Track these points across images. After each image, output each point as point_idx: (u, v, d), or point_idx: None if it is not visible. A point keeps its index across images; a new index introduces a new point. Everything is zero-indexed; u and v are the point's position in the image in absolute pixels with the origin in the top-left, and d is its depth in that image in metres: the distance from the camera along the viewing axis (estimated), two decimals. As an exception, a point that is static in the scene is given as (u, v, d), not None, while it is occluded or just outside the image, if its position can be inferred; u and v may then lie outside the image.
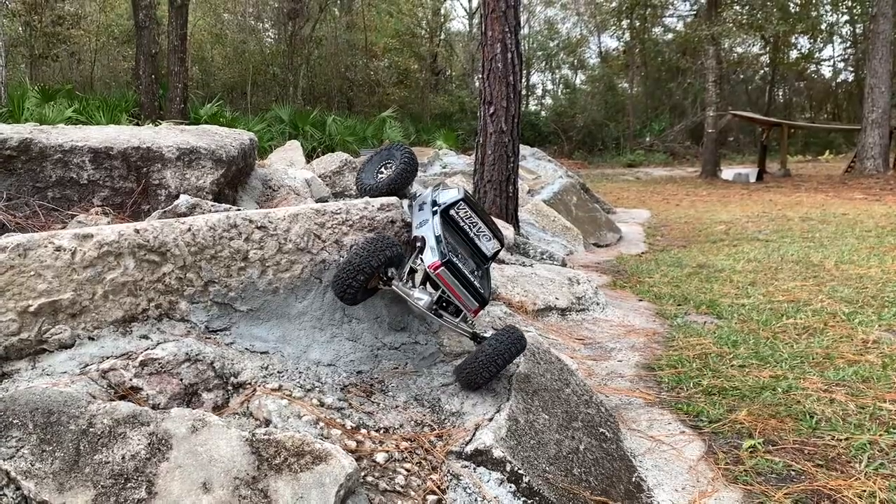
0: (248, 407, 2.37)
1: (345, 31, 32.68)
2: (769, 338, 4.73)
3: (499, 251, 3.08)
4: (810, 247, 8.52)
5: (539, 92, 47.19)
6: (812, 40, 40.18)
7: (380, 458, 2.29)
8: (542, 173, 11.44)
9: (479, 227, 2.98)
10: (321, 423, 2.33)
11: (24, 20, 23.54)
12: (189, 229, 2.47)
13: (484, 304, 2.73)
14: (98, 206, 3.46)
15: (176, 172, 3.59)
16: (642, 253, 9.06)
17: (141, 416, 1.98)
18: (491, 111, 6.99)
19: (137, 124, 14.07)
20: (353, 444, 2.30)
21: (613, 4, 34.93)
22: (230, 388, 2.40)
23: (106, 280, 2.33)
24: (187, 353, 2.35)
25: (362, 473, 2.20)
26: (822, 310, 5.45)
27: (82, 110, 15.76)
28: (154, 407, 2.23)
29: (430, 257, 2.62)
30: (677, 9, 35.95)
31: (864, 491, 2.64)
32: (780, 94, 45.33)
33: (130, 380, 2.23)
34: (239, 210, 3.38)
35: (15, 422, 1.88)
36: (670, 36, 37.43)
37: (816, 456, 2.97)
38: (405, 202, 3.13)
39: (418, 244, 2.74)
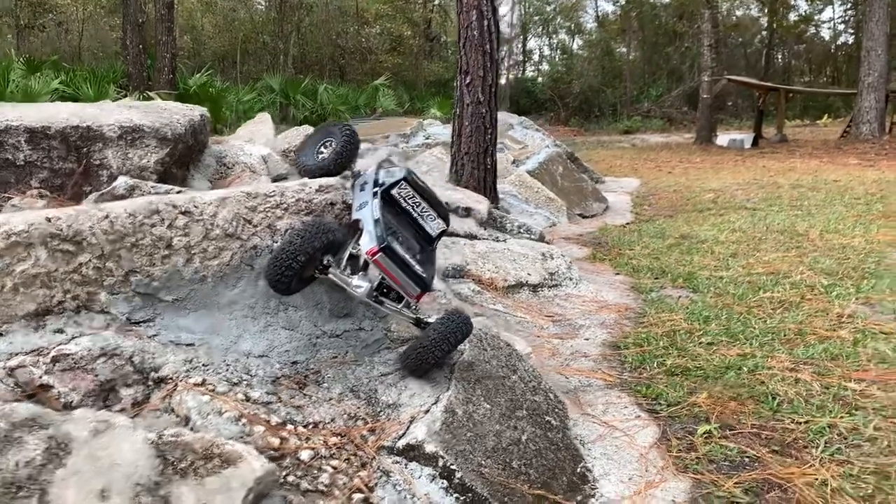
0: (169, 402, 2.27)
1: (335, -3, 32.21)
2: (743, 313, 4.62)
3: (444, 231, 2.96)
4: (797, 215, 8.39)
5: (536, 58, 46.68)
6: (811, 2, 39.62)
7: (304, 455, 2.19)
8: (528, 143, 11.26)
9: (423, 208, 2.85)
10: (244, 420, 2.23)
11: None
12: (107, 217, 2.35)
13: (426, 289, 2.62)
14: (36, 188, 3.34)
15: (118, 152, 3.45)
16: (627, 223, 8.93)
17: (41, 418, 1.88)
18: (467, 81, 6.82)
19: (125, 95, 13.83)
20: (276, 442, 2.20)
21: (610, -33, 34.30)
22: (151, 383, 2.30)
23: (15, 272, 2.22)
24: (103, 348, 2.24)
25: (284, 473, 2.11)
26: (801, 282, 5.35)
27: (69, 82, 15.47)
28: (66, 406, 2.13)
29: (367, 242, 2.50)
30: (674, -29, 35.37)
31: (816, 479, 2.56)
32: (779, 57, 44.74)
33: (40, 377, 2.13)
34: (182, 191, 3.26)
35: None
36: (667, -1, 36.91)
37: (773, 441, 2.88)
38: (349, 182, 3.01)
39: (359, 228, 2.63)
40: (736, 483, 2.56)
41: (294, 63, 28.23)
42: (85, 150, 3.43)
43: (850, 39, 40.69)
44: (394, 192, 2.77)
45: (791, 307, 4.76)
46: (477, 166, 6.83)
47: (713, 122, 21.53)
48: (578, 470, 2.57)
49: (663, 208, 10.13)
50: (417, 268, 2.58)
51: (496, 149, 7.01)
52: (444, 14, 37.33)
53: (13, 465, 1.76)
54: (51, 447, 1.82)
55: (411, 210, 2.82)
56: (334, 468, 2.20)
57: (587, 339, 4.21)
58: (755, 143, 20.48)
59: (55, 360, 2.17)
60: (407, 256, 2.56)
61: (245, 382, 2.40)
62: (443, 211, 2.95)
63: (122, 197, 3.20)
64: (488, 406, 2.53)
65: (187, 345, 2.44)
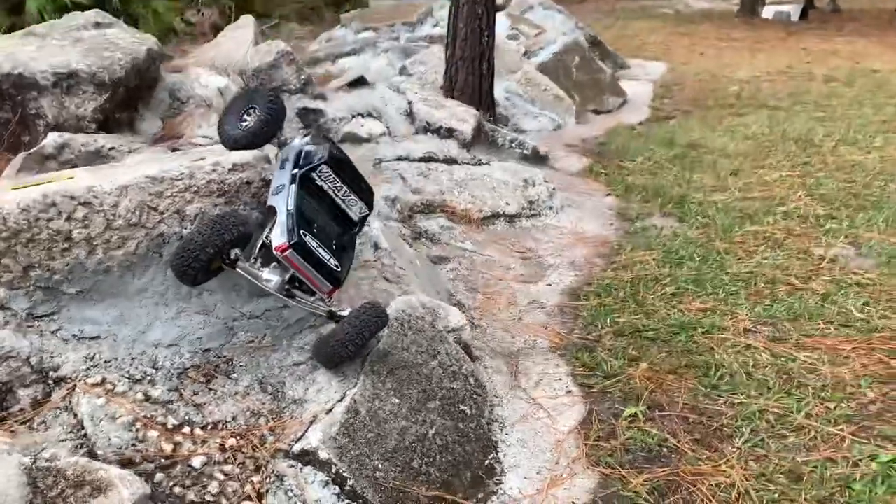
0: (70, 402, 2.30)
1: None
2: (721, 252, 4.49)
3: (367, 216, 2.86)
4: (819, 119, 7.97)
5: None
6: None
7: (197, 462, 2.23)
8: (548, 26, 10.66)
9: (345, 192, 2.74)
10: (138, 424, 2.26)
11: None
12: (-2, 213, 2.30)
13: (338, 285, 2.55)
14: (-29, 140, 3.28)
15: (53, 101, 3.35)
16: (640, 122, 8.57)
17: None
18: (464, -22, 6.40)
19: None
20: (168, 448, 2.24)
21: None
22: (51, 382, 2.33)
23: None
24: (-4, 351, 2.25)
25: (171, 483, 2.15)
26: (794, 212, 5.15)
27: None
28: (-40, 411, 2.17)
29: (277, 237, 2.42)
30: None
31: (725, 480, 2.54)
32: None
33: (-68, 384, 2.16)
34: (114, 148, 3.18)
35: None
36: None
37: (698, 427, 2.85)
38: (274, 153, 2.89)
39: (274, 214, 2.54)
40: (644, 481, 2.55)
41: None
42: (19, 98, 3.34)
43: None
44: (314, 174, 2.65)
45: (774, 245, 4.60)
46: (472, 72, 6.52)
47: (759, -10, 20.10)
48: (487, 462, 2.58)
49: (684, 102, 9.69)
50: (332, 262, 2.51)
51: (493, 53, 6.65)
52: None
53: None
54: (-76, 475, 1.87)
55: (332, 194, 2.71)
56: (226, 475, 2.23)
57: (549, 286, 4.14)
58: (804, 16, 19.18)
59: (-52, 365, 2.19)
60: (321, 252, 2.48)
61: (148, 378, 2.42)
62: (366, 194, 2.84)
63: (52, 157, 3.14)
64: (397, 401, 2.53)
65: (92, 338, 2.44)
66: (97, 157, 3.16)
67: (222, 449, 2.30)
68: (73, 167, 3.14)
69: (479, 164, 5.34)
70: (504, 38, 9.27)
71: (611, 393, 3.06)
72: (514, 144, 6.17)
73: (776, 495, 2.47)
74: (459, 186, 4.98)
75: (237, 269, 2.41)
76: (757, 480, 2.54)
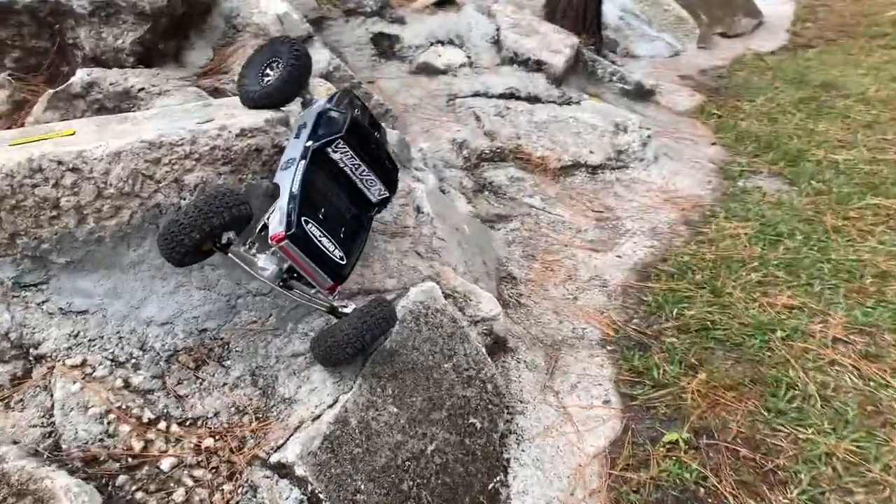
0: (49, 381, 2.19)
1: None
2: (828, 230, 3.92)
3: (388, 199, 2.53)
4: None
5: None
6: None
7: (166, 464, 2.08)
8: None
9: (363, 171, 2.42)
10: (111, 416, 2.12)
11: None
12: (-20, 178, 2.14)
13: (342, 280, 2.28)
14: (10, 67, 3.15)
15: (91, 31, 3.15)
16: (772, 52, 7.68)
17: None
18: None
19: None
20: (138, 446, 2.09)
21: None
22: (31, 358, 2.21)
23: None
24: (-27, 325, 2.15)
25: (134, 487, 2.02)
26: (932, 185, 4.43)
27: None
28: (-66, 386, 2.09)
29: (276, 224, 2.16)
30: None
31: (763, 548, 2.18)
32: None
33: None
34: (140, 97, 2.99)
35: None
36: None
37: (749, 465, 2.47)
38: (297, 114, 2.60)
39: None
40: (666, 532, 2.24)
41: None
42: (58, 27, 3.17)
43: None
44: (328, 150, 2.34)
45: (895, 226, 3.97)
46: (577, -8, 5.90)
47: None
48: (492, 486, 2.33)
49: (829, 28, 8.62)
50: (336, 255, 2.23)
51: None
52: None
53: None
54: None
55: (349, 171, 2.40)
56: (196, 480, 2.08)
57: (619, 258, 3.73)
58: None
59: (-75, 337, 2.11)
60: (324, 243, 2.20)
61: (133, 362, 2.27)
62: (389, 174, 2.51)
63: (80, 96, 2.97)
64: (395, 410, 2.28)
65: (80, 313, 2.30)
66: (125, 99, 2.97)
67: (197, 450, 2.14)
68: (100, 109, 2.98)
69: (568, 104, 4.84)
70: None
71: (655, 408, 2.70)
72: (615, 77, 5.59)
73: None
74: (539, 130, 4.53)
75: (229, 255, 2.18)
76: (801, 551, 2.18)
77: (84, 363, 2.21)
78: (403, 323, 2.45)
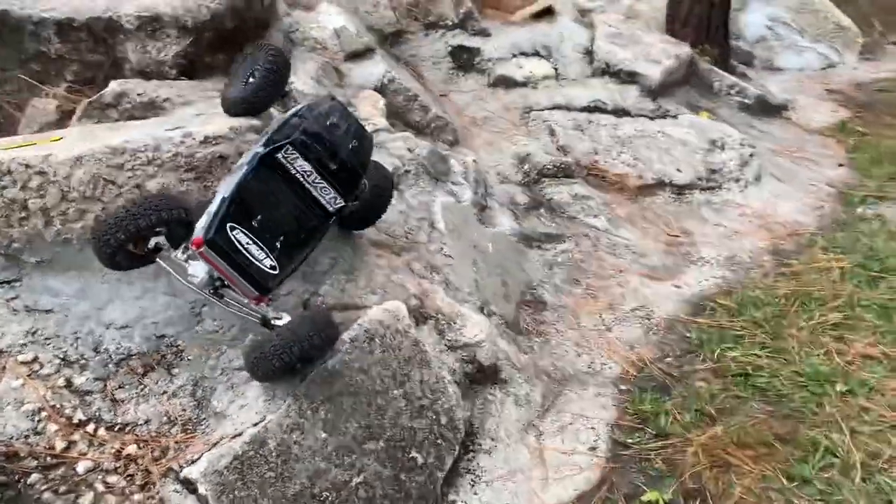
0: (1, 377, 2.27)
1: None
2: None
3: (343, 208, 2.39)
4: None
5: None
6: None
7: (81, 467, 2.08)
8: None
9: (315, 179, 2.31)
10: (42, 414, 2.16)
11: None
12: (-46, 179, 2.27)
13: (265, 293, 2.18)
14: (69, 81, 3.37)
15: (137, 45, 3.29)
16: (954, 63, 6.67)
17: None
18: None
19: None
20: (60, 446, 2.11)
21: None
22: (-8, 353, 2.31)
23: None
24: (-62, 316, 2.28)
25: (45, 487, 2.03)
26: None
27: None
28: None
29: (198, 229, 2.12)
30: None
31: None
32: None
33: None
34: (168, 99, 3.08)
35: None
36: None
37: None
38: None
39: None
40: None
41: None
42: (111, 41, 3.34)
43: None
44: (279, 155, 2.26)
45: None
46: (699, 0, 5.43)
47: None
48: (419, 531, 2.11)
49: None
50: (264, 264, 2.14)
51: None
52: None
53: None
54: None
55: (301, 179, 2.30)
56: (108, 486, 2.06)
57: (677, 288, 3.34)
58: None
59: None
60: (250, 251, 2.13)
61: (81, 363, 2.30)
62: (347, 183, 2.36)
63: (112, 106, 3.11)
64: (324, 436, 2.14)
65: (45, 311, 2.37)
66: (151, 108, 3.07)
67: (117, 456, 2.12)
68: (131, 118, 3.09)
69: (662, 118, 4.44)
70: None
71: (648, 461, 2.35)
72: (734, 91, 5.08)
73: None
74: (621, 145, 4.19)
75: (157, 260, 2.15)
76: None
77: (35, 360, 2.28)
78: (355, 342, 2.30)
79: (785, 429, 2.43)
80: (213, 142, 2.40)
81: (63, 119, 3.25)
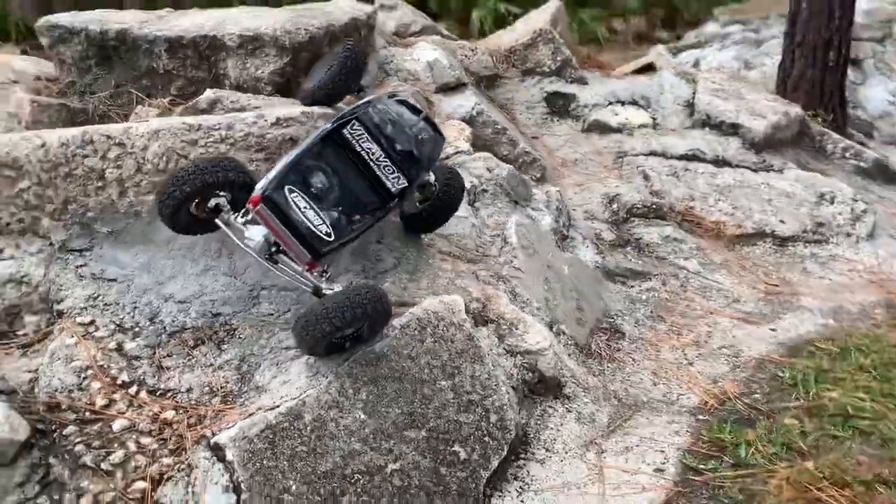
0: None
1: None
2: None
3: (406, 190, 2.34)
4: None
5: None
6: None
7: (118, 425, 2.04)
8: None
9: (380, 157, 2.28)
10: (89, 372, 2.15)
11: None
12: (43, 145, 2.37)
13: (318, 257, 2.12)
14: (174, 94, 3.55)
15: (237, 62, 3.45)
16: None
17: None
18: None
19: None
20: (101, 403, 2.09)
21: None
22: (55, 315, 2.34)
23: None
24: (12, 274, 2.34)
25: (77, 440, 1.99)
26: None
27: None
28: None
29: (256, 189, 2.12)
30: None
31: None
32: None
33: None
34: (259, 107, 3.16)
35: None
36: None
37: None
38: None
39: None
40: None
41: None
42: (213, 59, 3.51)
43: None
44: (344, 131, 2.26)
45: None
46: (812, 63, 5.23)
47: None
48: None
49: None
50: (319, 229, 2.11)
51: (848, 39, 5.25)
52: None
53: None
54: None
55: (366, 156, 2.27)
56: (140, 447, 2.00)
57: (772, 331, 3.06)
58: None
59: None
60: (305, 213, 2.10)
61: (135, 330, 2.30)
62: (408, 165, 2.33)
63: (205, 111, 3.23)
64: (363, 417, 2.02)
65: (109, 279, 2.40)
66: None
67: (154, 419, 2.07)
68: (220, 123, 3.19)
69: (766, 171, 4.22)
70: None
71: (722, 489, 2.08)
72: (848, 154, 4.80)
73: None
74: (720, 193, 3.99)
75: (217, 221, 2.15)
76: None
77: (91, 322, 2.29)
78: (405, 329, 2.20)
79: (890, 471, 2.12)
80: (285, 124, 2.42)
81: (161, 125, 3.39)
